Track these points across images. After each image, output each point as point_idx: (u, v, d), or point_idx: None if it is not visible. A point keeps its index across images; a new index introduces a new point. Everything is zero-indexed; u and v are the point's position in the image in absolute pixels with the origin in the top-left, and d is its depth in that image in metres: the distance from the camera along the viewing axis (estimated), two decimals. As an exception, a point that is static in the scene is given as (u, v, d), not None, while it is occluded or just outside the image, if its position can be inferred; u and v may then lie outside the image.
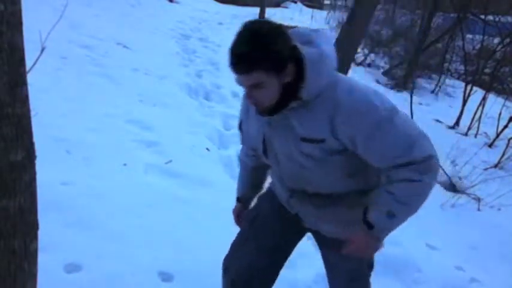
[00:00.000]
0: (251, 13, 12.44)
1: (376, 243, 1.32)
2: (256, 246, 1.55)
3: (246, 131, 1.53)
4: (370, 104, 1.20)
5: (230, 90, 5.42)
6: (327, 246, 1.51)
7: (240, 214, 1.73)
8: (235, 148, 3.76)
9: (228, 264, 1.60)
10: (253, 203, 1.74)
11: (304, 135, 1.26)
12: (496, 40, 8.19)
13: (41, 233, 1.24)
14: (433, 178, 1.23)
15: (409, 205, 1.25)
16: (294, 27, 1.31)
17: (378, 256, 1.45)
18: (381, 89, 8.16)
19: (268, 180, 1.69)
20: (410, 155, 1.20)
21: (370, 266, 1.54)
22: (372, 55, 9.93)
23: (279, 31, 1.18)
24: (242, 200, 1.74)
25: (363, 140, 1.21)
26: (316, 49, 1.23)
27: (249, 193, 1.74)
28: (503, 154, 5.30)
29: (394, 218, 1.26)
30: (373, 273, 1.56)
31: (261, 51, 1.15)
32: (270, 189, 1.64)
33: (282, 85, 1.21)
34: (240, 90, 1.32)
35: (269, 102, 1.24)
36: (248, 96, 1.26)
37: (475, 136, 6.44)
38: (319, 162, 1.28)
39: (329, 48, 1.25)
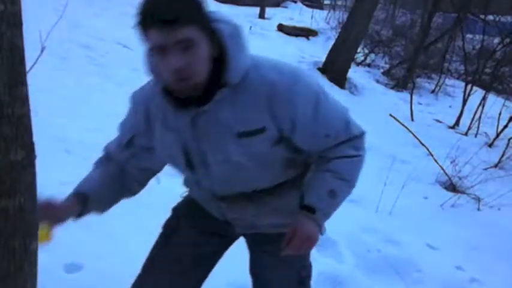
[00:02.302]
0: (251, 13, 12.44)
1: (318, 231, 1.19)
2: (170, 274, 1.35)
3: (145, 147, 1.29)
4: (304, 82, 1.09)
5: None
6: (267, 247, 1.32)
7: (63, 210, 1.28)
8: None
9: None
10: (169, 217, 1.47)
11: (241, 129, 1.07)
12: (496, 40, 8.19)
13: (41, 233, 1.24)
14: (365, 153, 1.22)
15: (349, 181, 1.20)
16: None
17: (378, 256, 1.43)
18: (381, 89, 8.16)
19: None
20: (350, 131, 1.17)
21: (310, 266, 1.39)
22: (372, 55, 9.92)
23: None
24: (83, 199, 1.32)
25: (306, 122, 1.10)
26: (228, 24, 1.05)
27: (101, 194, 1.36)
28: (503, 154, 5.30)
29: (336, 198, 1.18)
30: (373, 273, 1.55)
31: (193, 1, 0.95)
32: (187, 201, 1.46)
33: (211, 59, 1.00)
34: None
35: (201, 75, 1.00)
36: (173, 61, 0.94)
37: (475, 136, 6.44)
38: (259, 158, 1.12)
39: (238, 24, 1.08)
